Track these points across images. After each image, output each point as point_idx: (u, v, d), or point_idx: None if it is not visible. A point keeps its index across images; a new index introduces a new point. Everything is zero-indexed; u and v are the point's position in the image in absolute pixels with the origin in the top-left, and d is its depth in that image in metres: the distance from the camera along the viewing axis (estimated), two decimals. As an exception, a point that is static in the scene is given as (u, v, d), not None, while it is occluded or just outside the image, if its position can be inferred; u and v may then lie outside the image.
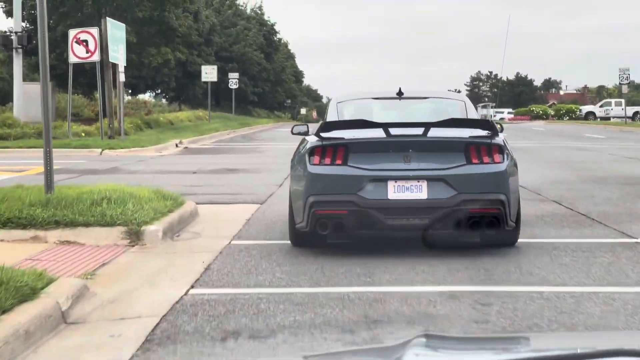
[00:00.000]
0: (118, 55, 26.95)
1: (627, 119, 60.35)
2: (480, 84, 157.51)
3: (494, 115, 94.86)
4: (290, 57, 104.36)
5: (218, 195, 13.15)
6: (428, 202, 7.37)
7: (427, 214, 7.37)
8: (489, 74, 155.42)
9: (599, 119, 69.25)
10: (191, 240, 8.94)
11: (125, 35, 30.28)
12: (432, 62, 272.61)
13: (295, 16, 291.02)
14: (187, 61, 56.10)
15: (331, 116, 8.69)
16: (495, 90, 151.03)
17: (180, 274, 7.07)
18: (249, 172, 17.82)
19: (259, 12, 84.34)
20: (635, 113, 68.67)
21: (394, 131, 7.54)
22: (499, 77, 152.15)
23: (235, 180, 15.74)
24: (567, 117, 77.48)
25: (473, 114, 8.88)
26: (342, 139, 7.60)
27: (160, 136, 32.28)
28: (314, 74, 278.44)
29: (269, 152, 26.14)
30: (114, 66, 27.61)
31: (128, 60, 33.42)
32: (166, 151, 26.43)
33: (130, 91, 59.44)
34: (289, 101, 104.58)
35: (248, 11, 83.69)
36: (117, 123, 28.41)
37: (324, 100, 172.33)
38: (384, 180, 7.41)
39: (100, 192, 9.55)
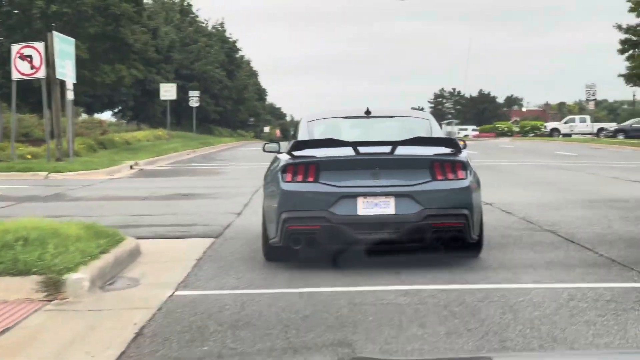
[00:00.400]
0: (66, 71, 25.16)
1: (591, 135, 59.70)
2: (444, 101, 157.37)
3: (458, 133, 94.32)
4: (253, 74, 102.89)
5: (168, 227, 11.51)
6: (395, 217, 7.66)
7: (395, 228, 7.67)
8: (452, 91, 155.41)
9: (560, 136, 68.78)
10: (126, 291, 7.31)
11: (76, 50, 28.50)
12: (396, 79, 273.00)
13: (257, 34, 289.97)
14: (146, 79, 54.27)
15: (302, 135, 8.83)
16: (459, 107, 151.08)
17: (102, 344, 5.45)
18: (205, 197, 16.19)
19: (221, 29, 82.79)
20: (600, 129, 68.28)
21: (362, 149, 7.80)
22: (462, 95, 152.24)
23: (189, 208, 14.11)
24: (532, 134, 77.03)
25: (437, 131, 9.02)
26: (314, 157, 7.84)
27: (115, 157, 30.49)
28: (277, 92, 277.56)
29: (230, 174, 24.51)
30: (62, 83, 25.80)
31: (80, 77, 31.60)
32: (119, 174, 24.67)
33: (86, 110, 57.45)
34: (252, 119, 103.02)
35: (209, 28, 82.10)
36: (67, 144, 26.57)
37: (288, 118, 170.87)
38: (354, 196, 7.69)
39: (16, 231, 7.88)
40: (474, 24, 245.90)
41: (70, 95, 25.35)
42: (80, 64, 32.50)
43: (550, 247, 9.20)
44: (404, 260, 8.40)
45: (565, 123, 73.81)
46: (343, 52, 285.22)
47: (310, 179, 7.78)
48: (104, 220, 12.22)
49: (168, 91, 47.20)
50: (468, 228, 7.70)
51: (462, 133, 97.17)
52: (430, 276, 7.61)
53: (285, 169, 7.89)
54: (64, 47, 25.42)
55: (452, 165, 7.82)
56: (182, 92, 66.35)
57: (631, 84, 45.92)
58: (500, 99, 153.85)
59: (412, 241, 7.84)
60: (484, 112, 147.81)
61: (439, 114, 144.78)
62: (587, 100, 54.47)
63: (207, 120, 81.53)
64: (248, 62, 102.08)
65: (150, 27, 53.99)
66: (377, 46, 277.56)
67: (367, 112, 9.15)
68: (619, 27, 45.39)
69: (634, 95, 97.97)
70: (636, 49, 45.07)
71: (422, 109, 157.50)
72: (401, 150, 7.81)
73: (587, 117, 69.38)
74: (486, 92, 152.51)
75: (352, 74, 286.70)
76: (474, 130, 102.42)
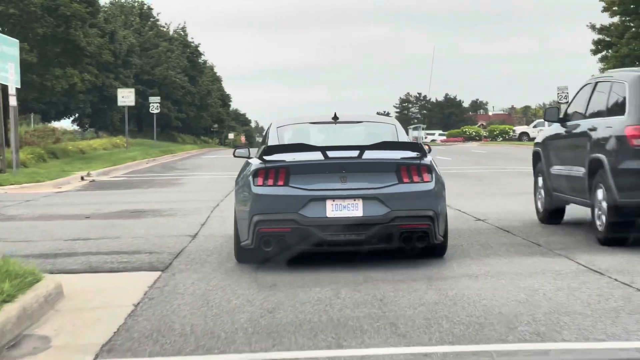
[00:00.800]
0: (8, 75, 23.00)
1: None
2: (410, 105, 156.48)
3: (425, 137, 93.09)
4: (217, 80, 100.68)
5: (106, 255, 9.56)
6: (363, 219, 7.88)
7: (363, 230, 7.87)
8: (418, 95, 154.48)
9: (527, 140, 67.71)
10: (29, 359, 5.38)
11: (24, 54, 26.35)
12: (361, 84, 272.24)
13: (222, 40, 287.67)
14: (104, 85, 51.98)
15: (272, 140, 9.04)
16: (425, 112, 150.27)
17: None
18: (157, 214, 14.23)
19: (182, 33, 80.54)
20: (569, 133, 67.33)
21: (331, 154, 8.05)
22: (428, 99, 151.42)
23: (136, 229, 12.15)
24: (501, 138, 76.01)
25: (403, 136, 9.28)
26: (284, 161, 8.08)
27: (66, 168, 28.35)
28: (242, 98, 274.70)
29: (189, 185, 22.53)
30: (5, 88, 23.63)
31: (29, 82, 29.45)
32: (67, 186, 22.58)
33: (41, 118, 55.03)
34: (216, 126, 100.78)
35: (171, 32, 79.84)
36: (11, 154, 24.38)
37: (253, 124, 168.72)
38: (323, 199, 7.90)
39: None
40: (438, 28, 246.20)
41: (12, 101, 23.19)
42: (28, 68, 30.30)
43: (576, 280, 7.42)
44: (397, 300, 6.61)
45: (534, 127, 72.74)
46: (309, 57, 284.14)
47: (281, 183, 7.96)
48: (31, 247, 10.29)
49: (126, 97, 44.88)
50: (433, 229, 7.93)
51: (429, 138, 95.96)
52: (435, 327, 5.81)
53: (256, 173, 8.07)
54: (6, 48, 23.27)
55: (418, 169, 8.04)
56: (143, 98, 64.11)
57: (605, 86, 44.55)
58: (466, 103, 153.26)
59: (379, 242, 8.02)
60: (450, 116, 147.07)
61: (405, 118, 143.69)
62: (558, 102, 53.18)
63: (169, 128, 79.25)
64: (211, 68, 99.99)
65: (107, 30, 51.75)
66: (342, 52, 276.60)
67: (335, 118, 9.40)
68: (593, 27, 44.21)
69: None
70: (609, 50, 43.90)
71: (387, 114, 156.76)
72: (368, 154, 8.06)
73: (557, 121, 68.32)
74: (452, 96, 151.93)
75: (318, 80, 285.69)
76: (440, 135, 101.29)
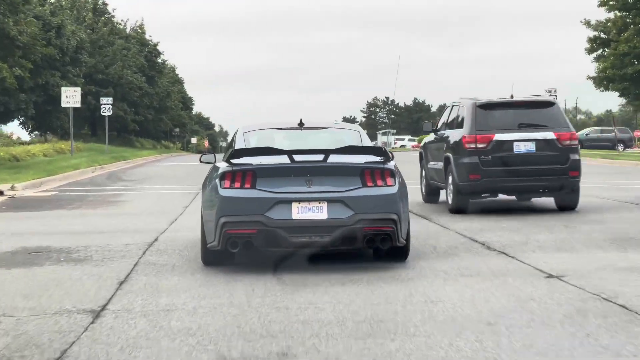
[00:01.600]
0: None
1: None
2: (377, 110, 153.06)
3: (395, 143, 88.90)
4: (178, 81, 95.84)
5: None
6: (328, 222, 8.07)
7: (328, 232, 8.07)
8: (385, 99, 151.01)
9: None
10: None
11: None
12: (328, 89, 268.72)
13: (185, 44, 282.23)
14: (48, 83, 47.09)
15: (239, 145, 9.20)
16: (393, 116, 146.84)
17: None
18: (64, 258, 9.74)
19: (139, 31, 75.57)
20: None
21: (297, 157, 8.27)
22: (396, 103, 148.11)
23: (13, 292, 7.67)
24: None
25: (367, 142, 9.46)
26: (251, 164, 8.26)
27: (-13, 179, 23.65)
28: (205, 102, 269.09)
29: (129, 205, 17.92)
30: None
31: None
32: (-24, 205, 17.94)
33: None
34: (177, 130, 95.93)
35: (128, 30, 74.91)
36: None
37: (217, 128, 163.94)
38: (289, 202, 8.09)
39: None
40: (406, 32, 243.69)
41: None
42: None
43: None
44: None
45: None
46: (275, 61, 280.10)
47: (248, 186, 8.13)
48: None
49: (71, 97, 39.96)
50: (396, 232, 8.13)
51: (399, 143, 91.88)
52: None
53: (223, 175, 8.23)
54: None
55: (382, 173, 8.26)
56: (96, 99, 59.32)
57: (602, 88, 40.87)
58: (434, 108, 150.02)
59: (344, 244, 8.14)
60: (418, 121, 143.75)
61: (372, 123, 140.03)
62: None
63: (126, 131, 74.36)
64: (173, 69, 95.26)
65: (53, 24, 46.90)
66: (308, 56, 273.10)
67: (301, 124, 9.52)
68: (587, 24, 40.46)
69: (576, 105, 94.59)
70: (606, 48, 40.17)
71: (354, 119, 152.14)
72: (333, 158, 8.24)
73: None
74: (421, 101, 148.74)
75: (284, 84, 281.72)
76: (410, 140, 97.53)
